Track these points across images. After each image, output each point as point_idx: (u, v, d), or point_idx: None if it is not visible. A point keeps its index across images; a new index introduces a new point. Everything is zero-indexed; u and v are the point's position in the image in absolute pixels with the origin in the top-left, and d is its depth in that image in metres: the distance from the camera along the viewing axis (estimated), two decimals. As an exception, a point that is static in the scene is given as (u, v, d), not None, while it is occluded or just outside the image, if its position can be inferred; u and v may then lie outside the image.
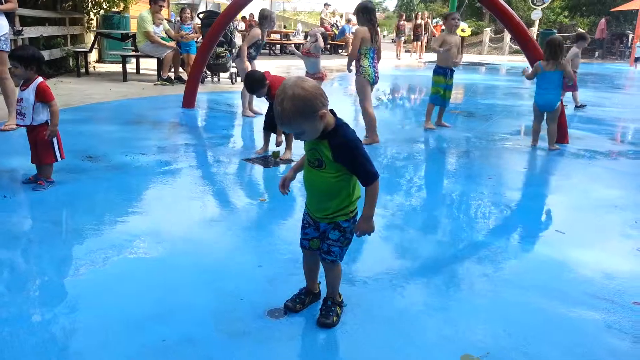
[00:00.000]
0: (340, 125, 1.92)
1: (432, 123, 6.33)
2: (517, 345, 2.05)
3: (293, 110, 1.77)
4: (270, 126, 4.75)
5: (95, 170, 4.09)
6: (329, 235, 2.06)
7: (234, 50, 9.64)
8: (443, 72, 6.17)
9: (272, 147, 4.80)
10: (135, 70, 10.35)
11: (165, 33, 9.41)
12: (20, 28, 7.42)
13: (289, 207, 3.64)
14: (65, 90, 7.70)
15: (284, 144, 4.76)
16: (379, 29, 5.43)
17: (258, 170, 4.42)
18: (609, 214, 3.62)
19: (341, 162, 1.90)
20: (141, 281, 2.44)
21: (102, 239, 2.86)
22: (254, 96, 5.62)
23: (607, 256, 2.94)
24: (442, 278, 2.62)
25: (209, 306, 2.23)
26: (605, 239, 3.23)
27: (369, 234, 2.04)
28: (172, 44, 9.32)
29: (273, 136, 4.80)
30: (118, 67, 9.93)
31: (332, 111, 1.92)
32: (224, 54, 9.37)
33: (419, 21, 19.91)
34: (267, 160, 4.64)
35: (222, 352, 1.94)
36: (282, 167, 4.50)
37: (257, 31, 6.58)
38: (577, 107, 8.32)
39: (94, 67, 10.85)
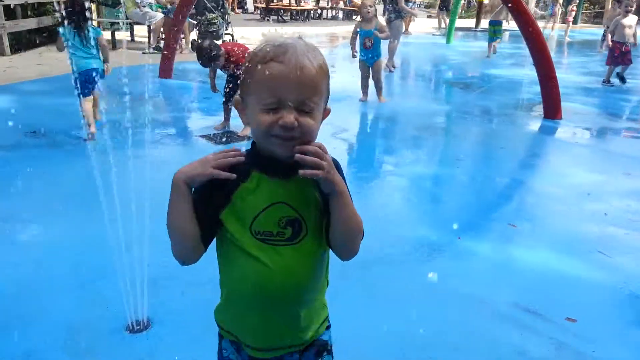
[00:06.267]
0: None
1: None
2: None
3: (317, 68, 0.99)
4: (230, 99, 4.41)
5: (33, 148, 3.87)
6: None
7: (226, 17, 9.23)
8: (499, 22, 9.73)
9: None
10: (130, 38, 10.03)
11: (155, 0, 9.05)
12: (6, -7, 7.19)
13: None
14: (48, 60, 7.47)
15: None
16: None
17: (210, 148, 4.12)
18: (578, 204, 3.21)
19: None
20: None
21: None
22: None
23: (558, 257, 2.55)
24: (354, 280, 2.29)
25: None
26: (562, 235, 2.81)
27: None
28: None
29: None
30: (115, 36, 9.60)
31: None
32: (216, 21, 8.96)
33: None
34: (224, 136, 4.35)
35: None
36: (235, 145, 4.19)
37: None
38: (621, 80, 7.68)
39: (87, 35, 10.55)
